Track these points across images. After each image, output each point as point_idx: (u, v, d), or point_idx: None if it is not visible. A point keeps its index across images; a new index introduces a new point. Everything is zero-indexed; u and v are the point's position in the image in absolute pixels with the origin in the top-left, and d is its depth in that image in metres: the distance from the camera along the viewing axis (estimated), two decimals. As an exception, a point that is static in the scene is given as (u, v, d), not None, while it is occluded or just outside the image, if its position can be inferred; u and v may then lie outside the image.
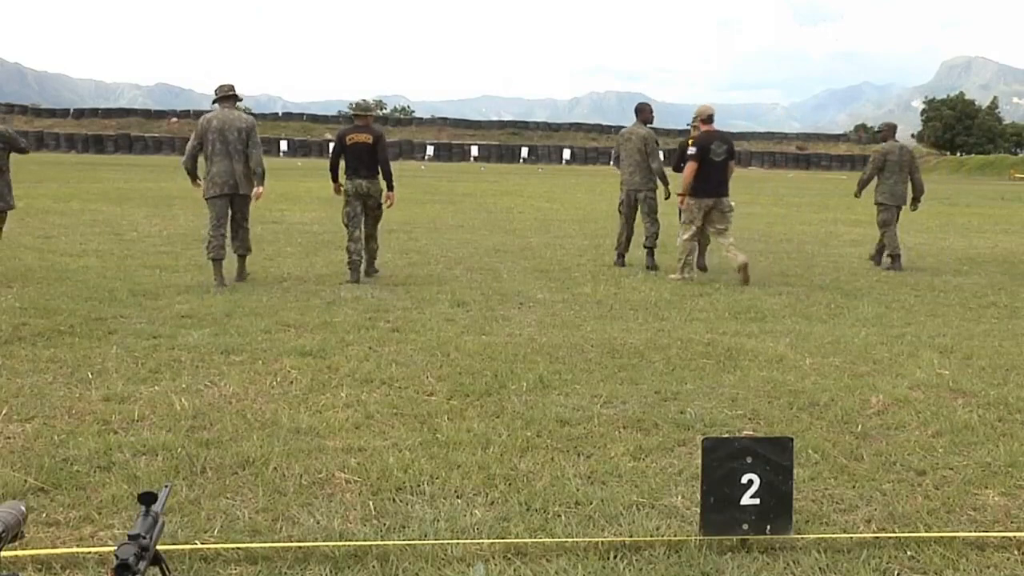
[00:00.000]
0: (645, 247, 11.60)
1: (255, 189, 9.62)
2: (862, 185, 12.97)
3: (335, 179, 10.44)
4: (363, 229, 10.06)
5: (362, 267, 10.01)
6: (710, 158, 10.46)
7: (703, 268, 11.42)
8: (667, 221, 11.83)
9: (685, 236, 10.60)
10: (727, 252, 10.54)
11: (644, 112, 11.98)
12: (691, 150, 10.59)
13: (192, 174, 9.77)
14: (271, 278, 9.76)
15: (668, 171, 11.55)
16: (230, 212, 9.51)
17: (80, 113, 77.40)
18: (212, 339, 6.66)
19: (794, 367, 6.26)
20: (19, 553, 3.11)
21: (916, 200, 12.66)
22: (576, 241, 14.33)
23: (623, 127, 12.45)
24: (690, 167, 10.47)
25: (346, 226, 10.02)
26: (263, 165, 9.63)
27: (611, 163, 12.47)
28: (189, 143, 9.72)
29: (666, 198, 11.52)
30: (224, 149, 9.38)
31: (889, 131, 13.66)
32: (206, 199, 9.53)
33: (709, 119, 11.00)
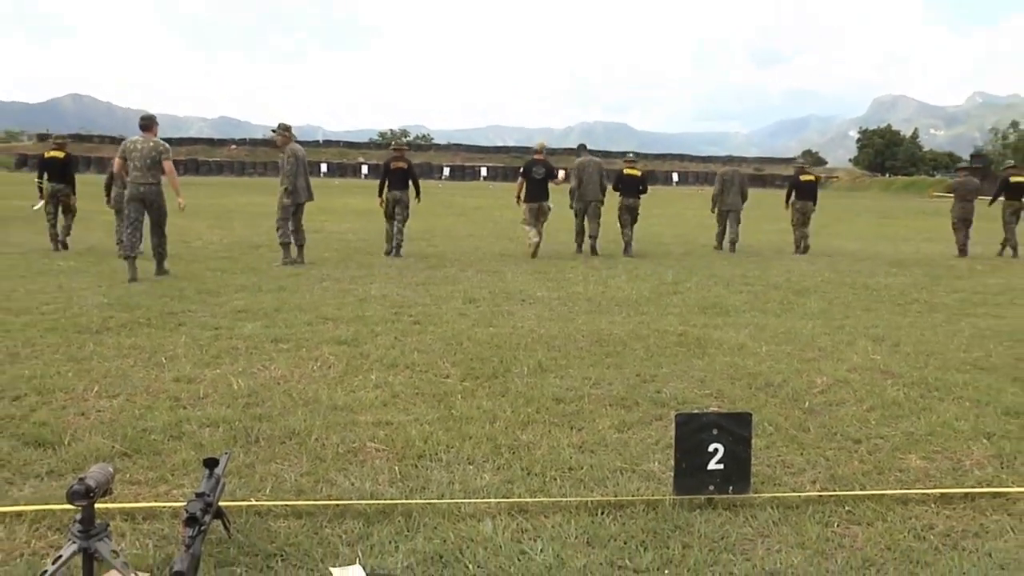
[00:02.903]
0: (592, 237, 13.72)
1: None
2: (714, 201, 15.42)
3: (381, 192, 12.85)
4: (397, 222, 12.61)
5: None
6: (532, 176, 13.08)
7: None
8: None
9: (523, 224, 13.34)
10: (535, 241, 12.93)
11: (587, 151, 14.79)
12: (521, 170, 13.37)
13: (291, 193, 11.30)
14: (312, 279, 9.76)
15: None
16: (299, 216, 11.45)
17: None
18: (263, 330, 6.66)
19: (753, 354, 6.25)
20: (109, 506, 3.13)
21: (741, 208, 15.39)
22: (570, 247, 14.29)
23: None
24: (519, 183, 13.30)
25: (386, 219, 12.77)
26: None
27: (569, 180, 14.17)
28: (293, 169, 11.25)
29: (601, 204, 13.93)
30: (306, 171, 11.51)
31: (730, 160, 18.14)
32: (296, 204, 11.32)
33: (541, 150, 13.77)
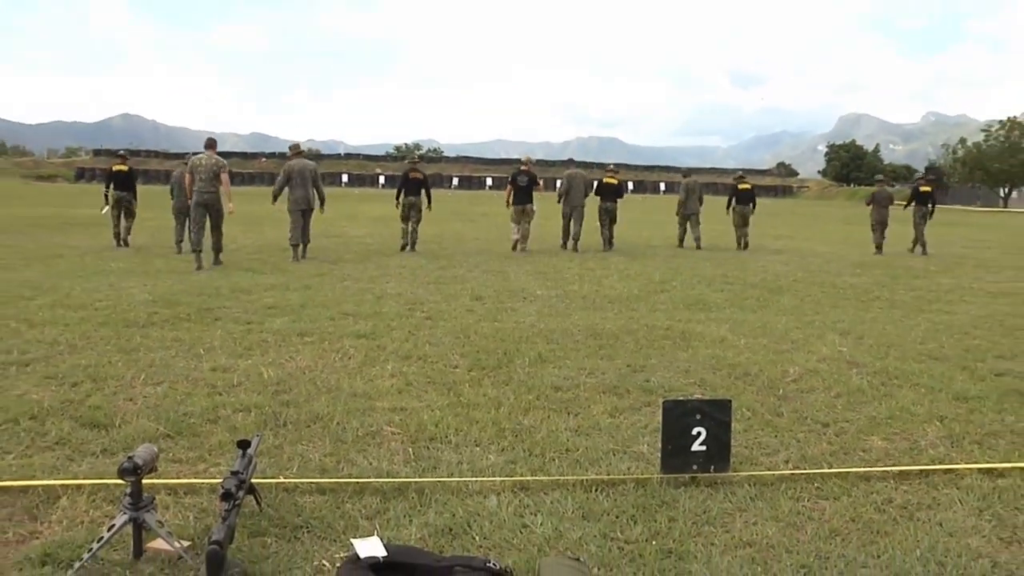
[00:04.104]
0: (575, 238, 14.71)
1: (317, 209, 12.30)
2: (680, 206, 16.42)
3: (398, 197, 13.71)
4: (411, 223, 13.54)
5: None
6: (517, 184, 14.11)
7: (574, 249, 14.49)
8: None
9: (513, 226, 14.21)
10: (520, 238, 14.11)
11: (574, 163, 16.43)
12: (509, 178, 14.40)
13: (276, 198, 12.22)
14: (334, 278, 9.76)
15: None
16: (301, 220, 11.90)
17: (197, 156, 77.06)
18: (291, 325, 6.66)
19: (732, 346, 6.25)
20: (155, 481, 3.13)
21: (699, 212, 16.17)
22: (567, 251, 14.29)
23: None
24: (508, 189, 14.36)
25: (402, 220, 13.65)
26: (324, 194, 12.35)
27: (562, 190, 15.01)
28: (280, 180, 12.12)
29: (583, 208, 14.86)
30: (301, 183, 11.94)
31: (689, 171, 18.31)
32: (291, 211, 11.92)
33: (526, 163, 14.72)
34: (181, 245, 12.47)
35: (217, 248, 10.87)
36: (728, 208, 16.60)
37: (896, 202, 17.05)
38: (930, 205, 16.44)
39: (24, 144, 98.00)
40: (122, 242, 13.35)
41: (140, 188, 14.51)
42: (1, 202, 27.54)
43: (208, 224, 10.79)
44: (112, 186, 13.81)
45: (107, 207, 13.85)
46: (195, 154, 11.26)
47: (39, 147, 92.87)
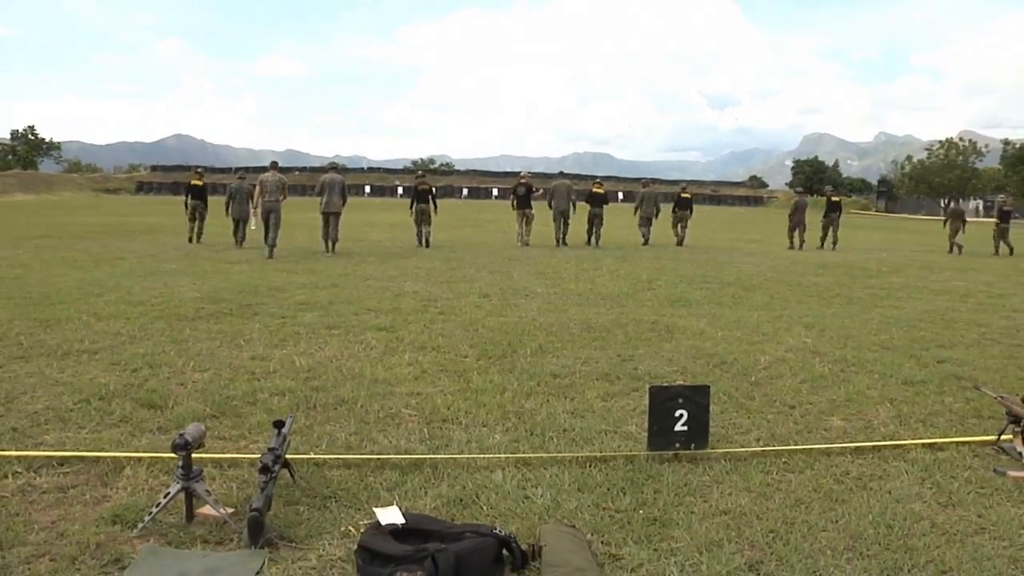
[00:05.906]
0: (562, 235, 15.97)
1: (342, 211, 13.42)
2: (636, 209, 17.44)
3: (412, 206, 14.96)
4: (424, 226, 14.73)
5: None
6: (518, 193, 15.91)
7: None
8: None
9: (517, 227, 15.94)
10: (523, 235, 15.78)
11: (563, 175, 17.97)
12: (512, 189, 16.17)
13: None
14: (358, 278, 9.76)
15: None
16: (330, 221, 13.10)
17: (238, 170, 77.14)
18: (320, 319, 6.67)
19: (711, 338, 6.23)
20: (203, 456, 3.15)
21: (655, 216, 17.33)
22: (563, 252, 14.28)
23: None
24: (511, 198, 16.18)
25: (415, 224, 14.89)
26: (347, 199, 13.45)
27: (548, 198, 16.24)
28: (318, 189, 13.33)
29: (568, 213, 16.05)
30: (330, 191, 13.11)
31: (649, 181, 19.50)
32: (321, 213, 13.20)
33: (527, 175, 16.82)
34: (242, 243, 13.90)
35: (273, 244, 12.25)
36: (672, 212, 17.85)
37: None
38: (838, 212, 18.11)
39: (95, 162, 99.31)
40: (196, 239, 14.71)
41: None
42: (77, 212, 27.71)
43: (271, 225, 12.34)
44: (190, 196, 15.32)
45: (187, 212, 15.21)
46: (240, 169, 12.99)
47: (107, 164, 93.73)
